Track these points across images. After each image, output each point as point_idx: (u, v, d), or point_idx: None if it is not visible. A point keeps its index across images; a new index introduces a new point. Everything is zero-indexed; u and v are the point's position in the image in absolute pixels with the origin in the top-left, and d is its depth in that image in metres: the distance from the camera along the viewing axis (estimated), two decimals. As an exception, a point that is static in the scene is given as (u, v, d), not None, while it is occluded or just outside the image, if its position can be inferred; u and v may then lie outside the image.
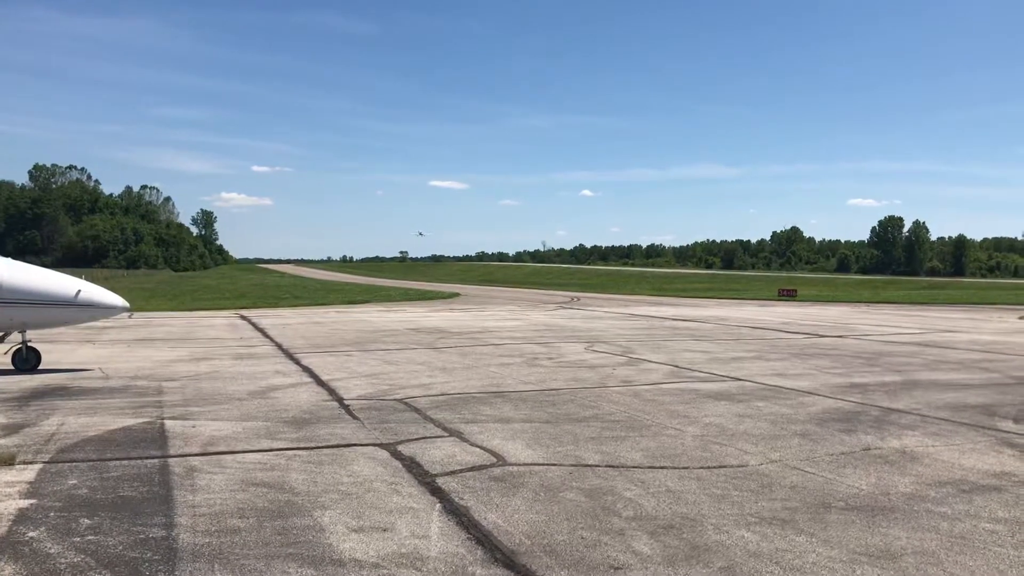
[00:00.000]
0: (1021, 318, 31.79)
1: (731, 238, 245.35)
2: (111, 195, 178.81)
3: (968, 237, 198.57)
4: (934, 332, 23.57)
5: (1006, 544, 5.17)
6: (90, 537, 5.17)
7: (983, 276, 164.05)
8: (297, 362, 14.91)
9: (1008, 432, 8.80)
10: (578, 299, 50.76)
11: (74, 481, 6.52)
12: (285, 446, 7.89)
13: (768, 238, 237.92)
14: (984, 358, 16.32)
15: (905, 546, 5.13)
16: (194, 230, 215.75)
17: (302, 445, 7.93)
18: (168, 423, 9.01)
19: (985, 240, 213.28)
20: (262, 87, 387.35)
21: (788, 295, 55.41)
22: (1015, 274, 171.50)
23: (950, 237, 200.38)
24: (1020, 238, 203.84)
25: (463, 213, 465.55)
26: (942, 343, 19.80)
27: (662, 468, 7.12)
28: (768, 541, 5.21)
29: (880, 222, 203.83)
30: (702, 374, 13.53)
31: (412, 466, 7.12)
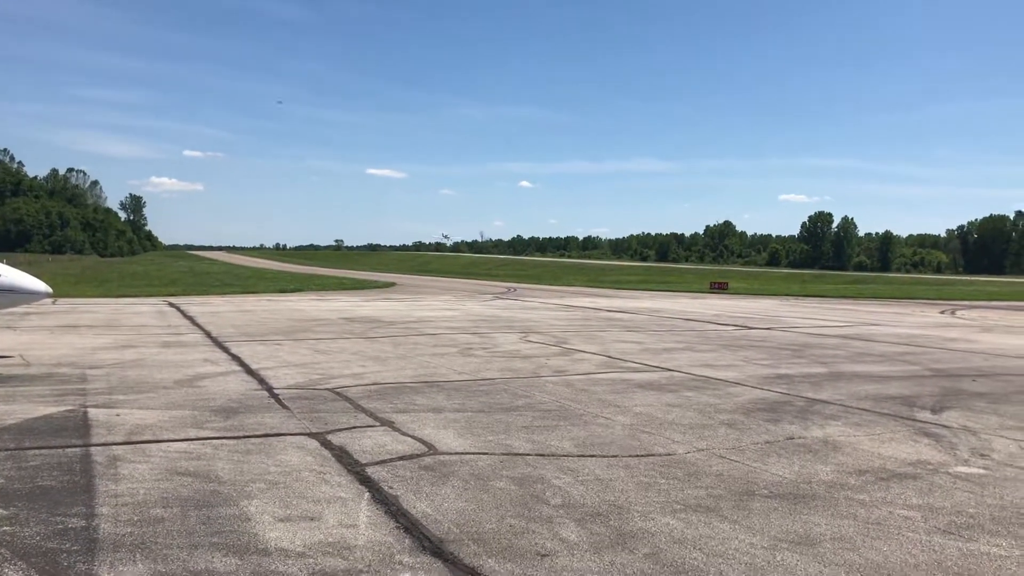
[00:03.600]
0: (942, 313, 32.82)
1: (666, 231, 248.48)
2: (35, 178, 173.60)
3: (894, 234, 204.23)
4: (859, 325, 24.21)
5: (919, 529, 5.35)
6: (5, 528, 5.03)
7: (908, 272, 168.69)
8: (226, 351, 14.68)
9: (925, 422, 9.09)
10: (515, 290, 50.86)
11: (-10, 471, 6.32)
12: (212, 435, 7.76)
13: (701, 232, 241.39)
14: (906, 351, 16.81)
15: (824, 532, 5.27)
16: (122, 215, 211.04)
17: (229, 434, 7.82)
18: (91, 411, 8.80)
19: (910, 237, 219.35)
20: (194, 70, 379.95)
21: (720, 288, 56.30)
22: (938, 270, 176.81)
23: (877, 233, 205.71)
24: (943, 236, 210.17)
25: (400, 202, 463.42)
26: (866, 336, 20.35)
27: (591, 457, 7.19)
28: (692, 528, 5.30)
29: (810, 217, 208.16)
30: (634, 364, 13.68)
31: (342, 455, 7.07)
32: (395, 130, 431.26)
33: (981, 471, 6.96)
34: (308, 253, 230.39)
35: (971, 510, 5.82)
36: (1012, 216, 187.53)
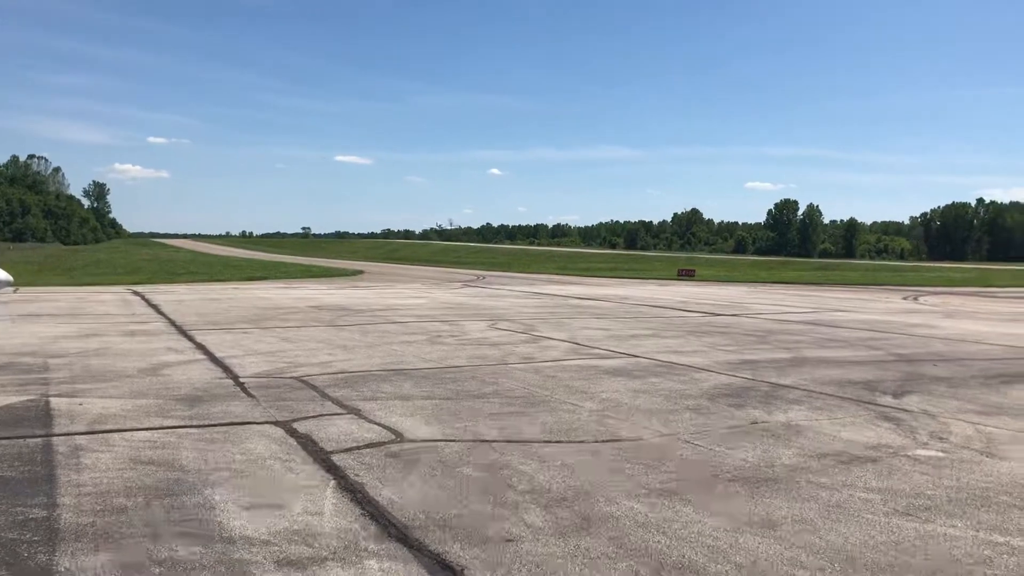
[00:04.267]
0: (906, 299, 33.28)
1: (634, 219, 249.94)
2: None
3: (859, 221, 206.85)
4: (824, 311, 24.48)
5: (878, 512, 5.45)
6: (-35, 519, 4.96)
7: (872, 258, 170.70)
8: (191, 339, 14.55)
9: (886, 406, 9.23)
10: (484, 277, 50.85)
11: (-51, 462, 6.23)
12: (176, 424, 7.70)
13: (669, 219, 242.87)
14: (869, 336, 17.04)
15: (786, 515, 5.35)
16: (86, 202, 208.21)
17: (194, 423, 7.76)
18: (53, 401, 8.69)
19: (874, 224, 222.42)
20: (158, 56, 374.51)
21: (687, 275, 56.67)
22: (901, 257, 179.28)
23: (842, 220, 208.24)
24: (907, 223, 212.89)
25: (368, 189, 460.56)
26: (831, 322, 20.59)
27: (558, 443, 7.23)
28: (656, 512, 5.36)
29: (776, 205, 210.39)
30: (601, 351, 13.75)
31: (307, 443, 7.05)
32: (362, 118, 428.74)
33: (939, 454, 7.09)
34: (275, 241, 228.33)
35: (929, 492, 5.93)
36: (973, 203, 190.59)
